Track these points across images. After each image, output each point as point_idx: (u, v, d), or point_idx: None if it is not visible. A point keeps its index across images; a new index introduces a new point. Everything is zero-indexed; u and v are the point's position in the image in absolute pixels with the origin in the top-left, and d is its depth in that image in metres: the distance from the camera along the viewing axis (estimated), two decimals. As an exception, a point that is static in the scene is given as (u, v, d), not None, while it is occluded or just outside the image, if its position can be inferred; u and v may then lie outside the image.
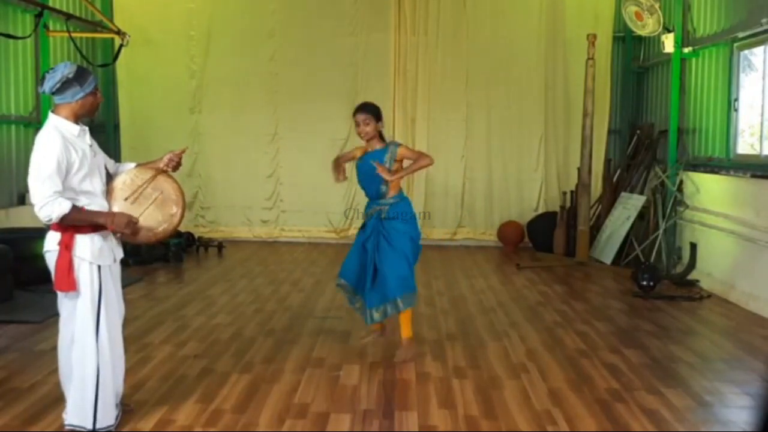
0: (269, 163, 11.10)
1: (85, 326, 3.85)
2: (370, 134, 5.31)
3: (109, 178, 4.08)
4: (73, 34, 9.26)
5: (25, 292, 7.00)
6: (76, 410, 3.89)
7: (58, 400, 4.22)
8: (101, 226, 3.85)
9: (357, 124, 5.33)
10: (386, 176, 5.18)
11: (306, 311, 6.76)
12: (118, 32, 9.57)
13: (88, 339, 3.85)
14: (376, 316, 5.21)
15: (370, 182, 5.33)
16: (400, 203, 5.36)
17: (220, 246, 10.13)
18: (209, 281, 8.10)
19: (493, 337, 5.95)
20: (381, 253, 5.21)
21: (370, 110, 5.32)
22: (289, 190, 11.12)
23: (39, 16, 8.64)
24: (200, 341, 5.69)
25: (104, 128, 10.76)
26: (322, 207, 11.03)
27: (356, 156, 5.46)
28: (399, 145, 5.37)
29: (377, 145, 5.35)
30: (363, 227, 5.44)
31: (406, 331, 5.31)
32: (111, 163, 4.17)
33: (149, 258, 8.89)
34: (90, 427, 3.86)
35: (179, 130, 10.83)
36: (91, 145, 3.94)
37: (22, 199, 8.79)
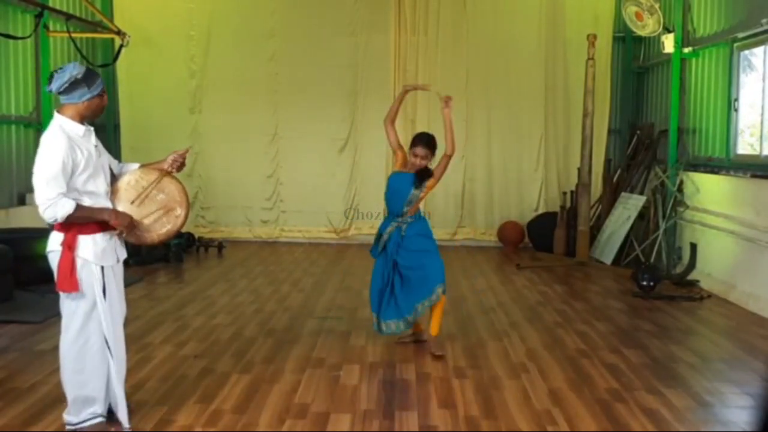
0: (269, 163, 11.10)
1: (88, 327, 3.86)
2: (426, 165, 5.48)
3: (113, 178, 4.08)
4: (73, 35, 9.26)
5: (25, 292, 7.00)
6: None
7: (58, 400, 4.22)
8: (105, 223, 3.86)
9: (415, 155, 5.46)
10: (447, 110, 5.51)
11: (306, 311, 6.76)
12: (118, 32, 9.57)
13: (94, 339, 3.87)
14: (403, 326, 5.48)
15: (396, 199, 5.48)
16: (417, 222, 5.55)
17: (220, 246, 10.14)
18: (209, 281, 8.10)
19: (493, 337, 5.95)
20: (412, 258, 5.43)
21: (433, 147, 5.50)
22: (289, 190, 11.12)
23: (39, 16, 8.64)
24: (200, 341, 5.69)
25: (104, 128, 10.76)
26: (322, 207, 11.04)
27: (396, 167, 5.58)
28: (431, 176, 5.50)
29: (413, 168, 5.50)
30: (383, 249, 5.52)
31: (435, 329, 5.53)
32: (115, 164, 4.17)
33: (149, 258, 8.89)
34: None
35: (179, 130, 10.84)
36: (96, 146, 3.94)
37: (22, 199, 8.80)
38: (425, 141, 5.51)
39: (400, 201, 5.47)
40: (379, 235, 5.58)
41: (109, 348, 3.91)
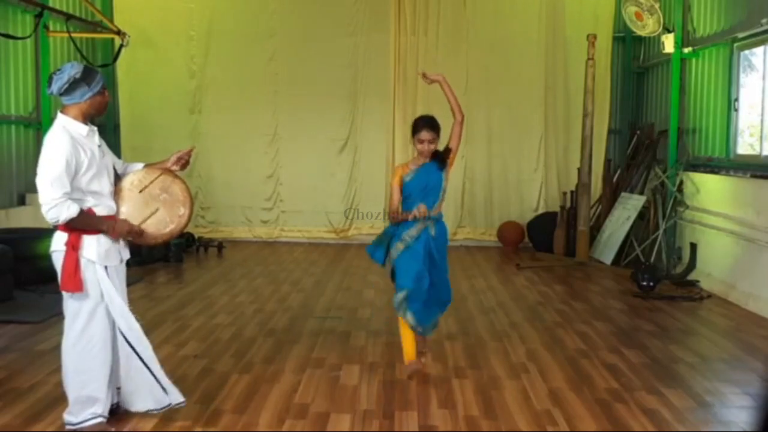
0: (269, 163, 11.10)
1: (90, 327, 3.88)
2: (433, 151, 4.89)
3: (117, 178, 4.09)
4: (73, 35, 9.26)
5: (25, 292, 7.00)
6: (151, 396, 4.03)
7: (58, 400, 4.22)
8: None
9: (420, 141, 4.86)
10: (442, 80, 5.07)
11: (306, 311, 6.76)
12: (118, 32, 9.57)
13: (96, 339, 3.90)
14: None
15: (430, 194, 4.88)
16: (442, 221, 5.03)
17: (220, 246, 10.13)
18: (209, 281, 8.10)
19: (493, 337, 5.95)
20: (434, 274, 4.90)
21: (437, 128, 4.92)
22: (289, 190, 11.12)
23: (39, 16, 8.65)
24: (200, 341, 5.69)
25: (104, 128, 10.75)
26: (322, 207, 11.05)
27: (403, 173, 4.91)
28: (449, 152, 4.99)
29: (426, 158, 4.92)
30: (405, 245, 4.85)
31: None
32: (119, 163, 4.18)
33: (149, 258, 8.88)
34: (167, 402, 4.05)
35: (179, 130, 10.84)
36: (99, 146, 3.95)
37: (22, 199, 8.80)
38: (429, 123, 4.94)
39: (434, 194, 4.88)
40: (387, 237, 4.95)
41: (128, 342, 3.94)
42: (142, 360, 3.97)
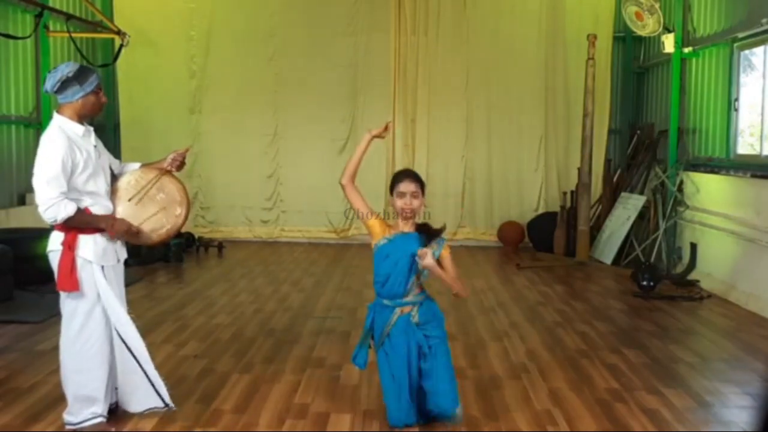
0: (269, 163, 11.11)
1: (88, 326, 3.87)
2: (416, 211, 4.04)
3: (114, 178, 4.09)
4: (73, 35, 9.26)
5: (25, 292, 7.00)
6: (147, 396, 4.06)
7: (58, 400, 4.22)
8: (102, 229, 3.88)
9: (401, 195, 4.04)
10: (432, 267, 3.87)
11: (306, 311, 6.76)
12: (118, 32, 9.57)
13: (94, 339, 3.91)
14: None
15: (400, 272, 3.97)
16: (427, 301, 4.10)
17: (220, 246, 10.13)
18: (209, 281, 8.10)
19: (493, 337, 5.95)
20: (430, 367, 3.99)
21: (421, 181, 4.10)
22: (289, 190, 11.12)
23: (39, 16, 8.64)
24: (200, 341, 5.69)
25: (104, 128, 10.75)
26: (322, 207, 11.04)
27: (378, 234, 4.10)
28: (445, 240, 4.08)
29: (408, 227, 4.07)
30: (380, 343, 4.05)
31: None
32: (116, 164, 4.18)
33: (149, 258, 8.88)
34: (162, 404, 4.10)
35: (179, 130, 10.83)
36: (95, 146, 3.95)
37: (23, 199, 8.80)
38: (411, 174, 4.16)
39: (409, 272, 3.96)
40: (367, 334, 4.14)
41: (125, 343, 3.95)
42: (137, 361, 3.98)
